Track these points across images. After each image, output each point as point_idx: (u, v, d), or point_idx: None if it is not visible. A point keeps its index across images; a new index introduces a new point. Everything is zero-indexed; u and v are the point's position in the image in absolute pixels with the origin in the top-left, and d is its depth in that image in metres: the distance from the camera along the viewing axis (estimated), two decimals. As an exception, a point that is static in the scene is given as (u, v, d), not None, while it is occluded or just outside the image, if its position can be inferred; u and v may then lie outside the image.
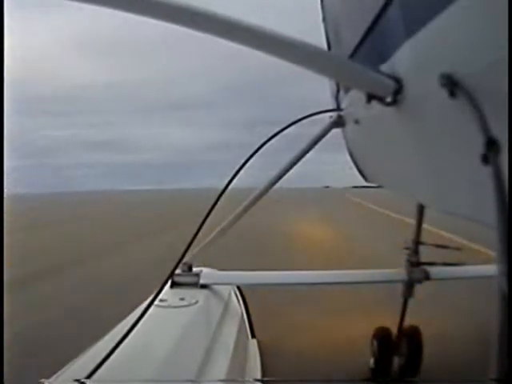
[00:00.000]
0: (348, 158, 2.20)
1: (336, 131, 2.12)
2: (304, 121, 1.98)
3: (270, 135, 1.96)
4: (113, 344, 1.08)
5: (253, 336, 2.34)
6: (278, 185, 2.10)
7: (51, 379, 1.03)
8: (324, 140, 2.11)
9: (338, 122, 2.03)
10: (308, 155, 2.10)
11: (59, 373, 1.08)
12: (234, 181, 1.86)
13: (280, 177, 2.09)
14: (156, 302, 1.47)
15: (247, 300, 2.50)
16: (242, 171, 1.86)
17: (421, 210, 2.20)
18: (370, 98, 1.13)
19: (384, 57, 1.11)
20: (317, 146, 2.11)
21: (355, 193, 40.50)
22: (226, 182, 1.86)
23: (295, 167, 2.11)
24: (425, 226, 2.25)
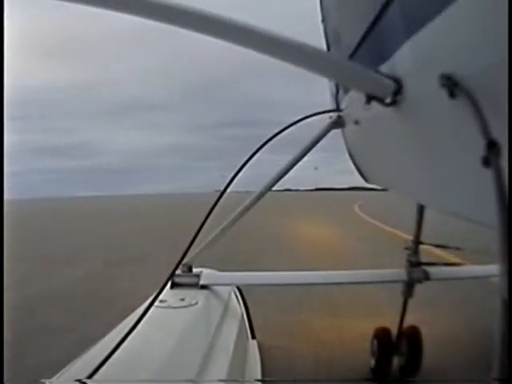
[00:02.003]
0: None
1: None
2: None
3: (270, 135, 1.95)
4: (113, 344, 1.08)
5: (253, 337, 2.33)
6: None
7: (52, 379, 1.03)
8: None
9: (338, 123, 2.03)
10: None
11: (60, 373, 1.07)
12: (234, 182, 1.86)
13: (279, 178, 2.09)
14: (156, 303, 1.46)
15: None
16: (240, 173, 1.86)
17: (421, 210, 2.20)
18: (370, 98, 1.13)
19: (383, 57, 1.11)
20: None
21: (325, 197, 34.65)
22: (225, 183, 1.87)
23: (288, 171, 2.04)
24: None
